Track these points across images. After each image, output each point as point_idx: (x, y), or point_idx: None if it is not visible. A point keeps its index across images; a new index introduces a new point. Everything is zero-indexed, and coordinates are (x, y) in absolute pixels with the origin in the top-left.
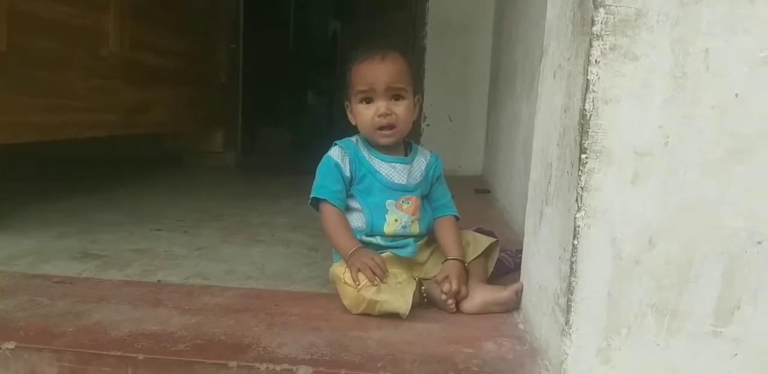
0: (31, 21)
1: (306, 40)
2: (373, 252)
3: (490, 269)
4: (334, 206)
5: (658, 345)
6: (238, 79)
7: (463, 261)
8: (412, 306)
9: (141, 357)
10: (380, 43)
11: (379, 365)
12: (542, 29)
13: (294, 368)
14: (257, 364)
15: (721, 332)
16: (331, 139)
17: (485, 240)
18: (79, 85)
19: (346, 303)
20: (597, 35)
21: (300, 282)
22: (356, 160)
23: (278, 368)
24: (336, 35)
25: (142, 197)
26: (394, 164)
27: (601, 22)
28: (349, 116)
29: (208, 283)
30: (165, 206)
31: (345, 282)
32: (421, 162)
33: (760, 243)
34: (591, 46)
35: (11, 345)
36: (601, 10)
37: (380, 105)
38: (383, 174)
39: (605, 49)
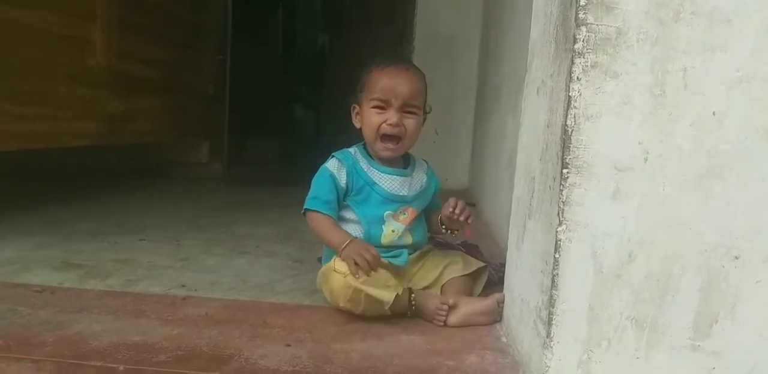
0: (16, 30)
1: (294, 52)
2: (366, 243)
3: (476, 293)
4: (325, 215)
5: (637, 358)
6: (225, 91)
7: None
8: (399, 312)
9: (122, 367)
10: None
11: None
12: (527, 45)
13: None
14: None
15: (699, 345)
16: (318, 151)
17: (475, 263)
18: (63, 93)
19: (334, 296)
20: (579, 53)
21: (284, 293)
22: (354, 172)
23: None
24: (324, 48)
25: (126, 207)
26: (394, 176)
27: (583, 40)
28: (354, 120)
29: (191, 294)
30: (149, 216)
31: (335, 270)
32: (420, 174)
33: (737, 257)
34: (573, 63)
35: None
36: (583, 28)
37: (392, 115)
38: (382, 186)
39: (587, 66)
